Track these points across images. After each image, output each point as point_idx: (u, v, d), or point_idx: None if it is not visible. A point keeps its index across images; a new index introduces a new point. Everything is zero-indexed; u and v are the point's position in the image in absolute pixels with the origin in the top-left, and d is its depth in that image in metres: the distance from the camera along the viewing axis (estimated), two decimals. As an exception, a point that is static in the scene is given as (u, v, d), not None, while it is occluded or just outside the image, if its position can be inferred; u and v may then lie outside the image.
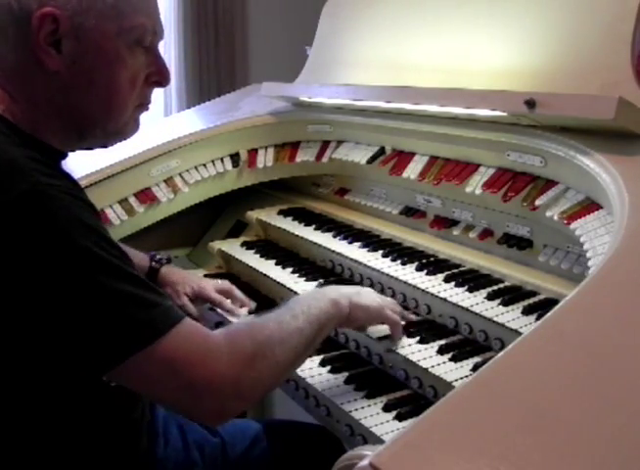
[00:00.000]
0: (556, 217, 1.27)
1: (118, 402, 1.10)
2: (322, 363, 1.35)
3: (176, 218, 1.94)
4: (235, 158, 1.98)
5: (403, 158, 1.68)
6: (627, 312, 0.81)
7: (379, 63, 1.86)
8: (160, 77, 1.11)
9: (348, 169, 1.89)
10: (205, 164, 1.94)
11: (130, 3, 1.03)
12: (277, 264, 1.72)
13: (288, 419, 1.54)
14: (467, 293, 1.33)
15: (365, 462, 0.58)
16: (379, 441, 1.10)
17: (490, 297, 1.30)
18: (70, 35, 0.99)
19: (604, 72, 1.35)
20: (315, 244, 1.71)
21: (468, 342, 1.28)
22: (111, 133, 1.09)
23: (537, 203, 1.33)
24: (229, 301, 1.56)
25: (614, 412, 0.65)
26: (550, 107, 1.28)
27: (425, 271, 1.44)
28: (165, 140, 1.92)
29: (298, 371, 1.32)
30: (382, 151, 1.76)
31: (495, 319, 1.24)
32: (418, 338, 1.30)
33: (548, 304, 1.25)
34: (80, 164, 1.75)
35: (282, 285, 1.61)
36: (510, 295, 1.30)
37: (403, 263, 1.49)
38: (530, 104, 1.28)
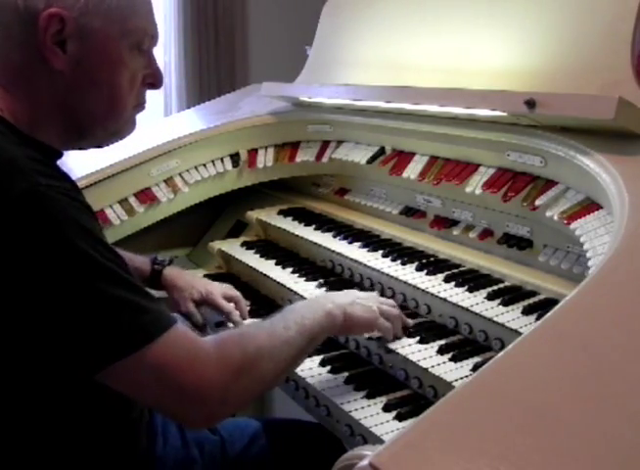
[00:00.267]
0: (556, 217, 1.27)
1: (117, 402, 1.10)
2: (322, 363, 1.35)
3: (176, 218, 1.94)
4: (235, 158, 1.98)
5: (403, 158, 1.68)
6: (627, 312, 0.81)
7: (379, 63, 1.86)
8: (155, 79, 1.14)
9: (348, 169, 1.89)
10: (205, 164, 1.94)
11: (132, 7, 1.06)
12: (277, 264, 1.72)
13: (287, 417, 1.54)
14: (467, 293, 1.33)
15: (365, 462, 0.58)
16: (379, 441, 1.10)
17: (490, 297, 1.30)
18: (76, 36, 1.01)
19: (604, 72, 1.35)
20: (315, 244, 1.71)
21: (468, 342, 1.28)
22: (111, 132, 1.12)
23: (537, 203, 1.33)
24: (237, 312, 1.53)
25: (613, 412, 0.65)
26: (550, 107, 1.28)
27: (425, 271, 1.44)
28: (165, 140, 1.92)
29: (298, 371, 1.32)
30: (382, 151, 1.76)
31: (495, 319, 1.24)
32: (418, 338, 1.30)
33: (548, 304, 1.25)
34: (80, 164, 1.76)
35: (282, 285, 1.61)
36: (510, 295, 1.30)
37: (403, 263, 1.49)
38: (530, 104, 1.28)
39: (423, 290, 1.38)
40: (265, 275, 1.68)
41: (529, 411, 0.65)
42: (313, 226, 1.81)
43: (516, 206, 1.40)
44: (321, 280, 1.59)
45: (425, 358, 1.24)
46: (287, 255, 1.79)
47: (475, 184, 1.47)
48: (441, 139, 1.58)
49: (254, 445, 1.33)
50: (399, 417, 1.16)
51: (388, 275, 1.46)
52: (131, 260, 1.42)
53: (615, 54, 1.34)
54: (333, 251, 1.64)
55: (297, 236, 1.77)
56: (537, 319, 1.20)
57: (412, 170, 1.63)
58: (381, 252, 1.57)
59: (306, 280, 1.61)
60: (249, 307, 1.58)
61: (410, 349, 1.27)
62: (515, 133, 1.41)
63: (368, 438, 1.14)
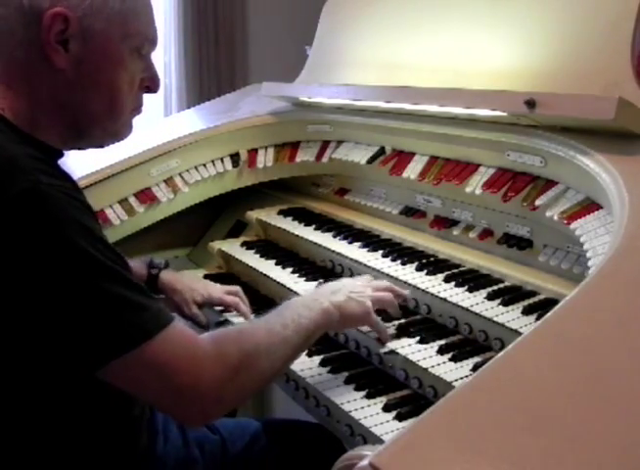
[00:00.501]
0: (556, 217, 1.27)
1: (118, 400, 1.11)
2: (322, 363, 1.35)
3: (176, 218, 1.94)
4: (235, 158, 1.98)
5: (403, 158, 1.68)
6: (627, 312, 0.81)
7: (379, 63, 1.86)
8: (152, 84, 1.15)
9: (348, 169, 1.89)
10: (205, 164, 1.94)
11: (134, 12, 1.07)
12: (277, 264, 1.72)
13: (287, 418, 1.54)
14: (467, 293, 1.33)
15: (365, 462, 0.58)
16: (379, 441, 1.10)
17: (490, 297, 1.30)
18: (78, 36, 1.03)
19: (604, 73, 1.35)
20: (315, 244, 1.71)
21: (468, 342, 1.28)
22: (109, 133, 1.13)
23: (537, 203, 1.33)
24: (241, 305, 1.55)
25: (613, 412, 0.65)
26: (550, 107, 1.28)
27: (425, 271, 1.44)
28: (165, 140, 1.92)
29: (298, 371, 1.32)
30: (382, 151, 1.76)
31: (495, 319, 1.24)
32: (418, 338, 1.30)
33: (548, 304, 1.25)
34: (80, 164, 1.75)
35: (282, 285, 1.61)
36: (510, 295, 1.30)
37: (403, 263, 1.49)
38: (530, 104, 1.28)
39: (423, 290, 1.38)
40: (265, 275, 1.68)
41: (529, 411, 0.65)
42: (313, 226, 1.81)
43: (516, 206, 1.40)
44: (321, 280, 1.59)
45: (425, 358, 1.24)
46: (287, 255, 1.79)
47: (475, 184, 1.47)
48: (441, 139, 1.58)
49: (255, 444, 1.34)
50: (399, 417, 1.16)
51: (388, 275, 1.46)
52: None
53: (615, 54, 1.34)
54: (333, 251, 1.64)
55: (297, 236, 1.77)
56: (537, 319, 1.20)
57: (412, 170, 1.63)
58: (381, 252, 1.57)
59: (306, 280, 1.61)
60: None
61: (410, 349, 1.27)
62: (515, 133, 1.41)
63: (368, 438, 1.14)
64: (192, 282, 1.60)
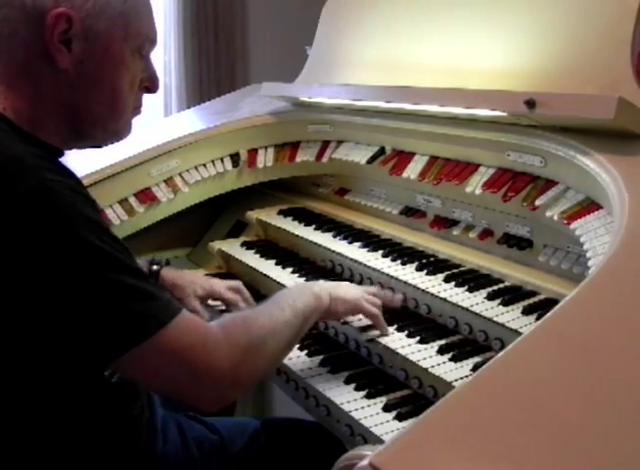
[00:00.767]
0: (556, 217, 1.27)
1: (118, 399, 1.12)
2: (322, 363, 1.35)
3: (176, 218, 1.94)
4: (235, 158, 1.98)
5: (403, 158, 1.68)
6: (627, 312, 0.81)
7: (379, 63, 1.86)
8: (152, 84, 1.17)
9: (348, 169, 1.89)
10: (205, 164, 1.94)
11: (136, 13, 1.09)
12: (277, 264, 1.72)
13: (286, 416, 1.55)
14: (467, 293, 1.33)
15: (365, 462, 0.58)
16: (379, 441, 1.10)
17: (490, 297, 1.30)
18: (81, 36, 1.04)
19: (604, 72, 1.35)
20: (315, 244, 1.71)
21: (468, 342, 1.28)
22: (110, 133, 1.14)
23: (537, 203, 1.33)
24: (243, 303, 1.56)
25: (613, 412, 0.65)
26: (550, 107, 1.28)
27: (425, 271, 1.44)
28: (165, 140, 1.92)
29: (298, 371, 1.32)
30: (382, 151, 1.76)
31: (495, 319, 1.24)
32: (418, 338, 1.30)
33: (548, 304, 1.25)
34: (80, 164, 1.75)
35: (282, 285, 1.60)
36: (510, 295, 1.30)
37: (403, 263, 1.49)
38: (530, 104, 1.28)
39: (423, 290, 1.38)
40: (265, 275, 1.68)
41: (529, 411, 0.65)
42: (313, 226, 1.81)
43: (516, 206, 1.40)
44: (321, 280, 1.59)
45: (425, 358, 1.24)
46: (287, 255, 1.79)
47: (475, 184, 1.47)
48: (441, 139, 1.58)
49: (254, 443, 1.34)
50: (399, 417, 1.16)
51: (388, 275, 1.47)
52: None
53: (615, 54, 1.34)
54: (333, 251, 1.64)
55: (297, 236, 1.77)
56: (537, 319, 1.21)
57: (412, 170, 1.63)
58: (381, 252, 1.57)
59: (306, 280, 1.60)
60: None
61: (410, 349, 1.27)
62: (515, 133, 1.41)
63: (368, 438, 1.14)
64: (193, 277, 1.62)
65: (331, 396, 1.24)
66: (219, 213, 2.15)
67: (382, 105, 1.72)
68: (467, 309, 1.29)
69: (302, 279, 1.61)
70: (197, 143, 1.93)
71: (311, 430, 1.38)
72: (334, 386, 1.27)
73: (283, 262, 1.72)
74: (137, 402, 1.17)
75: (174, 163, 1.90)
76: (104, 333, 0.95)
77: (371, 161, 1.76)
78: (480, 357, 1.22)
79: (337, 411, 1.22)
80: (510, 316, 1.23)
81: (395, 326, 1.35)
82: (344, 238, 1.69)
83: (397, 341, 1.30)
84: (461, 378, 1.16)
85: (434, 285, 1.38)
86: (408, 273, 1.45)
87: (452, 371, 1.19)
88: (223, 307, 1.59)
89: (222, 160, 1.96)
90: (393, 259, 1.52)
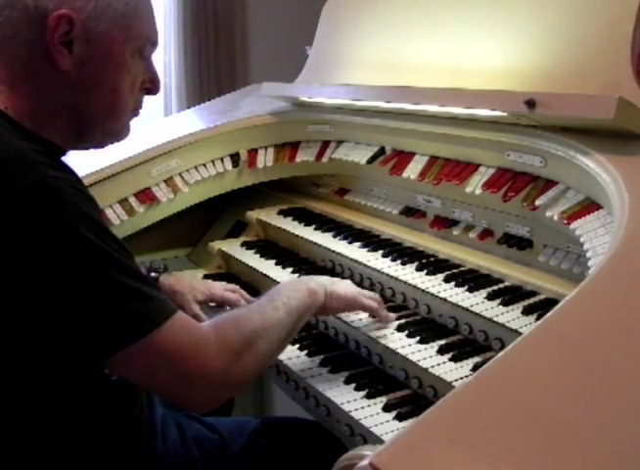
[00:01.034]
0: (556, 217, 1.27)
1: (118, 399, 1.12)
2: (322, 363, 1.35)
3: (176, 218, 1.94)
4: (235, 158, 1.98)
5: (403, 158, 1.68)
6: (627, 312, 0.81)
7: (379, 63, 1.86)
8: (152, 85, 1.17)
9: (348, 169, 1.89)
10: (205, 164, 1.94)
11: (137, 14, 1.09)
12: (277, 264, 1.72)
13: (285, 415, 1.55)
14: (467, 293, 1.33)
15: (365, 462, 0.58)
16: (379, 441, 1.10)
17: (490, 297, 1.30)
18: (82, 38, 1.05)
19: (604, 72, 1.35)
20: (315, 244, 1.71)
21: (468, 342, 1.28)
22: (108, 134, 1.15)
23: (537, 203, 1.33)
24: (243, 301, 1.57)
25: (613, 412, 0.65)
26: (550, 107, 1.28)
27: (425, 271, 1.44)
28: (165, 140, 1.92)
29: (299, 371, 1.32)
30: (382, 151, 1.76)
31: (495, 319, 1.24)
32: (418, 338, 1.30)
33: (548, 304, 1.25)
34: (80, 164, 1.75)
35: (282, 285, 1.61)
36: (510, 295, 1.30)
37: (403, 263, 1.49)
38: (530, 104, 1.28)
39: (423, 290, 1.38)
40: (265, 275, 1.68)
41: (529, 411, 0.65)
42: (313, 226, 1.81)
43: (516, 206, 1.40)
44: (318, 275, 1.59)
45: (425, 358, 1.24)
46: (287, 255, 1.79)
47: (475, 184, 1.47)
48: (441, 139, 1.58)
49: (254, 443, 1.34)
50: (399, 417, 1.16)
51: (388, 275, 1.47)
52: None
53: (615, 54, 1.34)
54: (333, 251, 1.64)
55: (297, 236, 1.77)
56: (537, 319, 1.21)
57: (412, 170, 1.63)
58: (381, 252, 1.57)
59: (306, 280, 1.60)
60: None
61: (410, 349, 1.27)
62: (515, 133, 1.41)
63: (368, 438, 1.14)
64: (192, 282, 1.62)
65: (331, 396, 1.24)
66: (219, 213, 2.15)
67: (382, 105, 1.72)
68: (467, 309, 1.29)
69: (302, 279, 1.61)
70: (197, 143, 1.93)
71: (311, 429, 1.38)
72: (334, 386, 1.27)
73: (283, 262, 1.72)
74: (137, 402, 1.17)
75: (174, 163, 1.90)
76: (97, 330, 0.96)
77: (371, 161, 1.76)
78: (480, 357, 1.22)
79: (337, 411, 1.22)
80: (510, 316, 1.23)
81: (396, 326, 1.35)
82: (344, 238, 1.69)
83: (397, 341, 1.30)
84: (461, 378, 1.16)
85: (434, 285, 1.38)
86: (408, 273, 1.45)
87: (452, 371, 1.19)
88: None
89: (222, 160, 1.96)
90: (393, 259, 1.52)
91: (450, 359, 1.22)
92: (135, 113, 1.17)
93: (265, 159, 1.99)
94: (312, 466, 1.30)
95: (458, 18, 1.68)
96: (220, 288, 1.58)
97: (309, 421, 1.39)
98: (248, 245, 1.87)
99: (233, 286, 1.60)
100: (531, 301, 1.27)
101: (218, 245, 1.89)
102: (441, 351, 1.25)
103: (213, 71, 4.17)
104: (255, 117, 2.02)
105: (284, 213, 1.94)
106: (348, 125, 1.87)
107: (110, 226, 1.72)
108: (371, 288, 1.50)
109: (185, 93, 4.08)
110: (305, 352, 1.39)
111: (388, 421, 1.16)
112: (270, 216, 1.93)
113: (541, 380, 0.70)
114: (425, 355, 1.25)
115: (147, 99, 1.20)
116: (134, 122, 1.19)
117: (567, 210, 1.26)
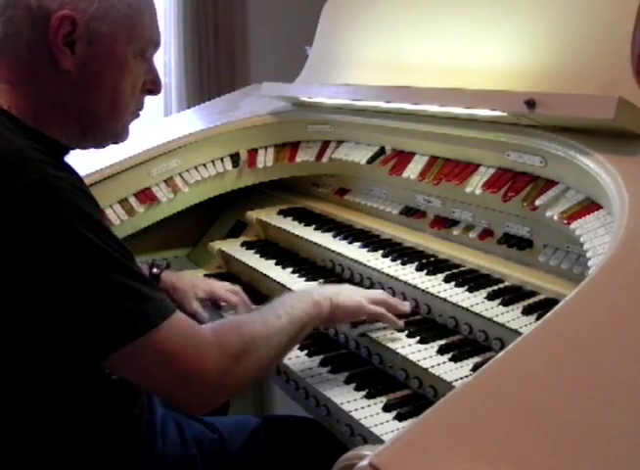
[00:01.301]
0: (556, 217, 1.27)
1: (118, 399, 1.13)
2: (322, 363, 1.35)
3: (176, 218, 1.94)
4: (235, 158, 1.98)
5: (403, 158, 1.68)
6: (627, 313, 0.81)
7: (379, 63, 1.86)
8: (154, 86, 1.18)
9: (348, 169, 1.89)
10: (205, 164, 1.94)
11: (140, 16, 1.10)
12: (277, 264, 1.72)
13: (285, 414, 1.55)
14: (467, 293, 1.33)
15: (365, 462, 0.58)
16: (379, 441, 1.10)
17: (490, 297, 1.30)
18: (85, 39, 1.05)
19: (604, 72, 1.35)
20: (315, 244, 1.71)
21: (468, 342, 1.28)
22: (109, 135, 1.15)
23: (537, 203, 1.33)
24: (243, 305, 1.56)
25: (613, 412, 0.65)
26: (550, 107, 1.28)
27: (425, 271, 1.44)
28: (165, 140, 1.92)
29: (299, 371, 1.32)
30: (382, 151, 1.76)
31: (495, 319, 1.24)
32: (418, 338, 1.30)
33: (548, 304, 1.25)
34: (80, 164, 1.75)
35: (282, 285, 1.61)
36: (510, 295, 1.30)
37: (403, 263, 1.49)
38: (530, 104, 1.28)
39: (423, 290, 1.38)
40: (265, 275, 1.68)
41: (529, 411, 0.65)
42: (313, 226, 1.81)
43: (516, 206, 1.40)
44: (321, 280, 1.59)
45: (425, 358, 1.24)
46: (287, 255, 1.79)
47: (475, 184, 1.47)
48: (441, 139, 1.58)
49: (253, 442, 1.34)
50: (399, 417, 1.16)
51: (388, 275, 1.47)
52: None
53: (614, 54, 1.34)
54: (333, 251, 1.64)
55: (298, 236, 1.77)
56: (537, 319, 1.20)
57: (412, 170, 1.63)
58: (381, 252, 1.57)
59: (306, 280, 1.61)
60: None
61: (410, 349, 1.27)
62: (515, 133, 1.41)
63: (368, 438, 1.14)
64: (194, 279, 1.62)
65: (331, 396, 1.24)
66: (219, 213, 2.15)
67: (382, 105, 1.72)
68: (467, 309, 1.29)
69: (302, 279, 1.61)
70: (197, 143, 1.93)
71: (310, 428, 1.39)
72: (334, 386, 1.27)
73: (283, 262, 1.72)
74: (137, 402, 1.17)
75: (174, 163, 1.90)
76: (94, 329, 0.96)
77: (371, 161, 1.76)
78: (480, 357, 1.22)
79: (337, 411, 1.22)
80: (510, 316, 1.23)
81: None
82: (344, 238, 1.69)
83: (397, 341, 1.30)
84: (461, 378, 1.16)
85: (434, 285, 1.38)
86: (408, 273, 1.45)
87: (452, 371, 1.19)
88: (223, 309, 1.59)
89: (222, 160, 1.96)
90: (393, 259, 1.52)
91: (450, 359, 1.22)
92: (136, 114, 1.18)
93: (265, 159, 1.99)
94: (312, 464, 1.30)
95: (458, 17, 1.68)
96: (223, 288, 1.58)
97: (308, 419, 1.39)
98: (248, 245, 1.87)
99: (236, 288, 1.59)
100: (531, 301, 1.27)
101: (218, 245, 1.89)
102: (441, 351, 1.25)
103: (213, 72, 4.17)
104: (255, 117, 2.02)
105: (284, 213, 1.94)
106: (348, 125, 1.87)
107: (110, 226, 1.75)
108: (371, 288, 1.50)
109: (185, 93, 4.08)
110: (305, 351, 1.39)
111: (387, 421, 1.16)
112: (270, 216, 1.93)
113: (541, 380, 0.70)
114: (425, 355, 1.25)
115: (147, 99, 1.20)
116: (134, 122, 1.19)
117: (567, 210, 1.26)
